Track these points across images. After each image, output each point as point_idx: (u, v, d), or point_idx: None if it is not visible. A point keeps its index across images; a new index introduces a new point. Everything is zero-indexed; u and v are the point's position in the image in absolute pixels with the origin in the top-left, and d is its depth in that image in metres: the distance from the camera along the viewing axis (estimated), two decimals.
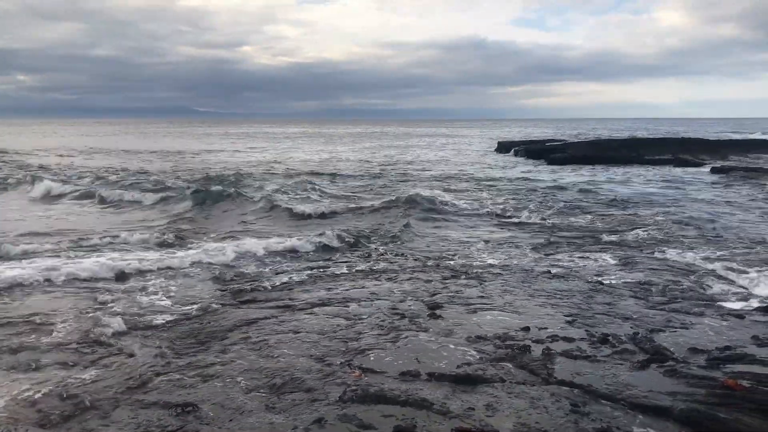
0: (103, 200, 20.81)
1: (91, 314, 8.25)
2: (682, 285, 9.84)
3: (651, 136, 59.70)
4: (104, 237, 13.75)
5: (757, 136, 63.31)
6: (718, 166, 28.37)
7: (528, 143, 52.45)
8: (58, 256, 11.63)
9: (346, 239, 13.57)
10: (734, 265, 10.86)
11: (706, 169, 28.39)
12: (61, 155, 44.21)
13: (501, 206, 19.20)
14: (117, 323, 7.75)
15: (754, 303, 8.88)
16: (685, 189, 23.15)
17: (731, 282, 10.05)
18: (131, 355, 6.77)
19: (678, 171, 29.38)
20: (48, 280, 9.91)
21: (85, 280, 10.07)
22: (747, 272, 10.39)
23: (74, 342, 7.21)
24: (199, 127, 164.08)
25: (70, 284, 9.81)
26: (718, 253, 11.95)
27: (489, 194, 22.36)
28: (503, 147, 52.05)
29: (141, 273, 10.61)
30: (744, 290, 9.58)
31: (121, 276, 10.29)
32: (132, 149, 53.86)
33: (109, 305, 8.71)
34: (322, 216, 17.68)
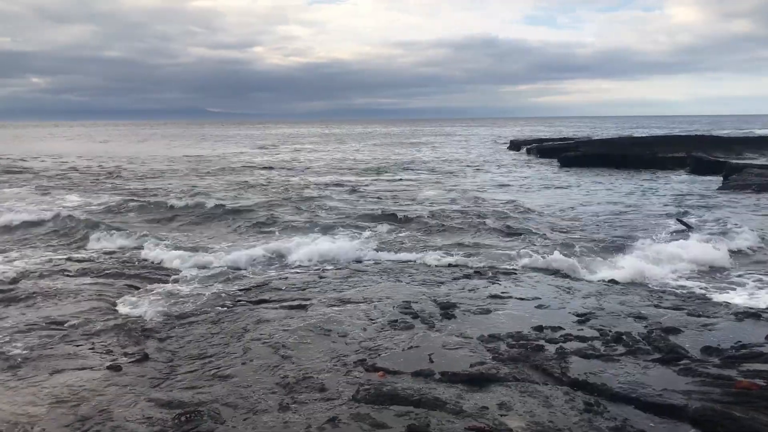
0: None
1: (104, 315, 8.35)
2: (697, 285, 9.79)
3: (664, 134, 59.27)
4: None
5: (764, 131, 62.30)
6: (733, 163, 27.74)
7: (539, 141, 52.77)
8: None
9: None
10: (749, 268, 10.80)
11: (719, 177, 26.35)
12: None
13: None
14: (131, 323, 7.82)
15: None
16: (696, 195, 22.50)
17: (745, 284, 9.99)
18: (146, 356, 6.82)
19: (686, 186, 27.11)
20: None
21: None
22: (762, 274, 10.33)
23: (89, 342, 7.29)
24: (218, 128, 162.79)
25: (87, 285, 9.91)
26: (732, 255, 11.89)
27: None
28: (515, 145, 53.23)
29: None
30: (760, 291, 9.51)
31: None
32: (185, 155, 51.15)
33: (123, 306, 8.81)
34: None
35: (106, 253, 12.79)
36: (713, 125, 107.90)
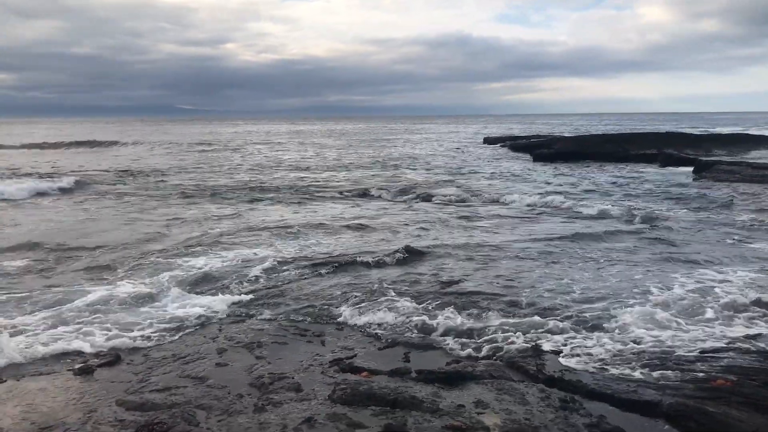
0: None
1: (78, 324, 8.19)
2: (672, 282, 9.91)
3: (636, 131, 59.87)
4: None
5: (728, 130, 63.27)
6: (703, 160, 28.11)
7: (513, 139, 53.57)
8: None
9: None
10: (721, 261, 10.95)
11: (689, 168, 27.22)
12: None
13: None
14: (106, 329, 7.68)
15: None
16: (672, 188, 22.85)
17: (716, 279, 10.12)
18: (118, 357, 6.69)
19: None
20: None
21: None
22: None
23: (58, 351, 7.08)
24: (195, 125, 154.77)
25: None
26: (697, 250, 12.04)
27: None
28: (488, 141, 54.63)
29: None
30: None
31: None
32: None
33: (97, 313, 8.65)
34: None
35: None
36: (683, 123, 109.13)
